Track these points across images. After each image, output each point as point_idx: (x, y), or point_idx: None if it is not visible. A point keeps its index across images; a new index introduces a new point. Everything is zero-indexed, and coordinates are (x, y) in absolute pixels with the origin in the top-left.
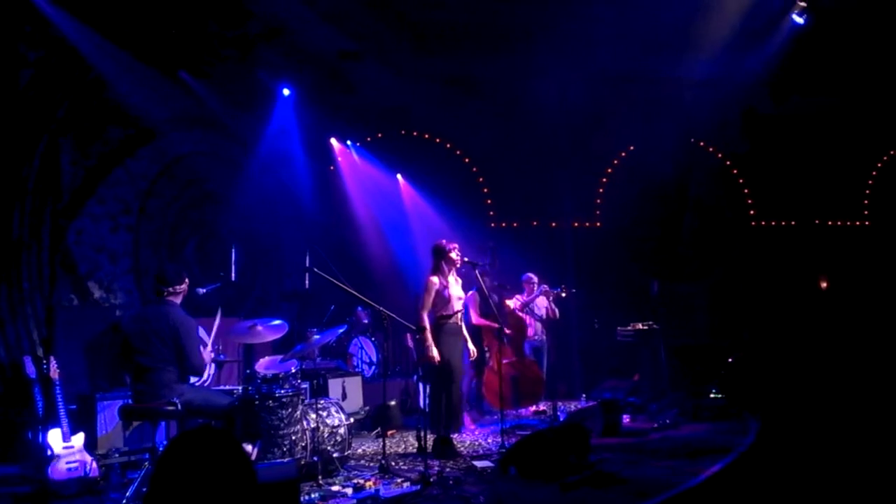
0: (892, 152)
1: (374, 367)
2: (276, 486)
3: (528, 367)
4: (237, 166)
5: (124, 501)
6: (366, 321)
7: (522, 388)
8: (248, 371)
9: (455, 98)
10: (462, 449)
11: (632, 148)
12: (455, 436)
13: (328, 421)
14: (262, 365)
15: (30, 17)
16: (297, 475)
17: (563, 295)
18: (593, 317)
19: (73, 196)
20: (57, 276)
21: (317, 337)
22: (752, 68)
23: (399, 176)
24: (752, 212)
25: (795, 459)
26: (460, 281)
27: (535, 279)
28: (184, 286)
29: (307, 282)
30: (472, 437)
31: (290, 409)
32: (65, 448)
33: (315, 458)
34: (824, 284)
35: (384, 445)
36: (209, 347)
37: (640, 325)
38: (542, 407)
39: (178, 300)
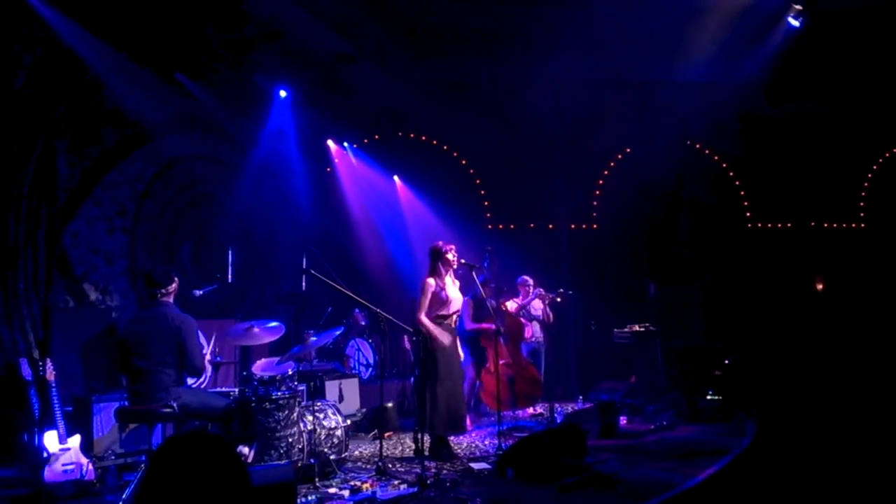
0: (887, 154)
1: (371, 369)
2: (272, 489)
3: (526, 368)
4: (234, 168)
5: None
6: (363, 323)
7: (520, 389)
8: (244, 373)
9: (452, 100)
10: (459, 451)
11: (628, 150)
12: (452, 437)
13: (325, 423)
14: (259, 367)
15: (25, 18)
16: (293, 477)
17: (559, 300)
18: (590, 319)
19: (69, 198)
20: (53, 278)
21: (313, 339)
22: (747, 71)
23: (396, 178)
24: (748, 214)
25: (792, 461)
26: (458, 283)
27: (531, 282)
28: (174, 286)
29: (304, 284)
30: (470, 439)
31: (286, 412)
32: (61, 450)
33: (312, 461)
34: (820, 286)
35: (381, 447)
36: (207, 353)
37: (636, 327)
38: (539, 409)
39: (171, 300)
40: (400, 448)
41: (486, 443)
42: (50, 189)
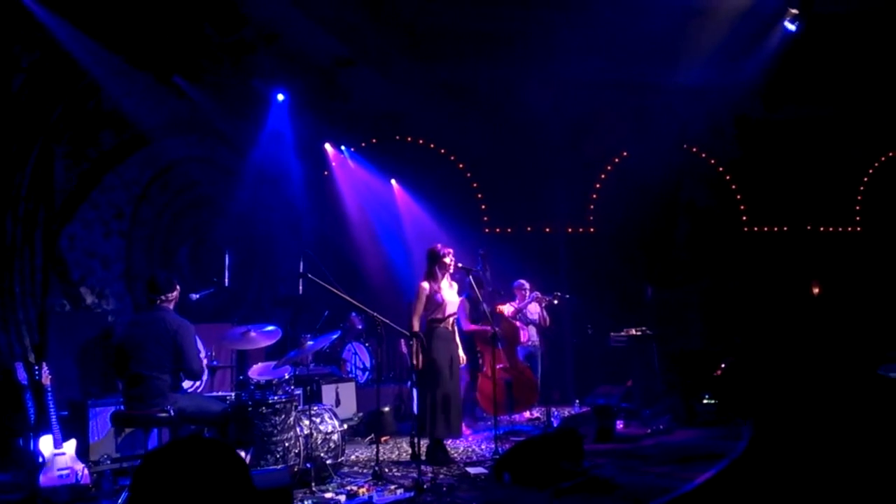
0: (884, 158)
1: (367, 373)
2: (269, 493)
3: (522, 372)
4: (231, 172)
5: None
6: (360, 327)
7: (516, 393)
8: (241, 377)
9: (449, 104)
10: (456, 455)
11: (625, 154)
12: (449, 442)
13: (321, 427)
14: (256, 371)
15: (23, 21)
16: (290, 482)
17: (556, 302)
18: (587, 322)
19: (66, 201)
20: (49, 281)
21: (310, 343)
22: (744, 75)
23: (393, 181)
24: (744, 217)
25: (788, 465)
26: (455, 286)
27: (527, 285)
28: (175, 293)
29: (301, 287)
30: (466, 444)
31: (283, 416)
32: (56, 455)
33: (308, 465)
34: (816, 290)
35: (378, 452)
36: (203, 357)
37: (633, 331)
38: (535, 413)
39: (171, 307)
40: (396, 452)
41: (483, 447)
42: (47, 191)
